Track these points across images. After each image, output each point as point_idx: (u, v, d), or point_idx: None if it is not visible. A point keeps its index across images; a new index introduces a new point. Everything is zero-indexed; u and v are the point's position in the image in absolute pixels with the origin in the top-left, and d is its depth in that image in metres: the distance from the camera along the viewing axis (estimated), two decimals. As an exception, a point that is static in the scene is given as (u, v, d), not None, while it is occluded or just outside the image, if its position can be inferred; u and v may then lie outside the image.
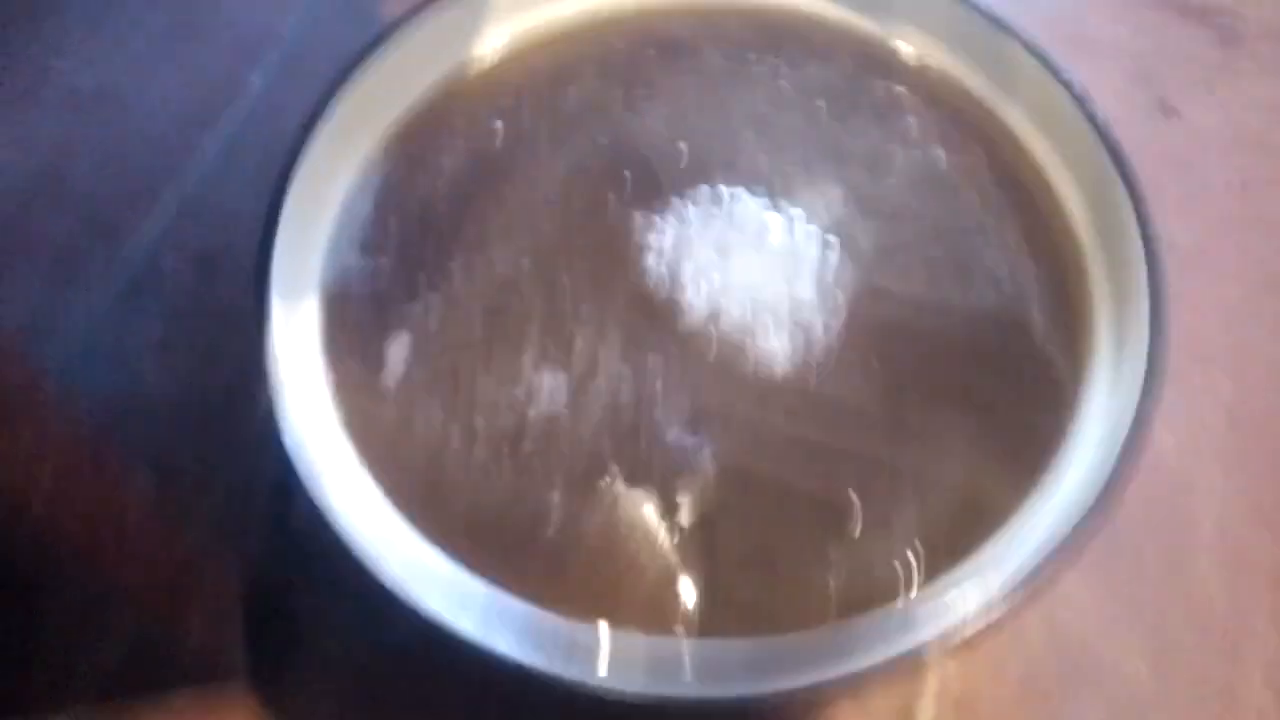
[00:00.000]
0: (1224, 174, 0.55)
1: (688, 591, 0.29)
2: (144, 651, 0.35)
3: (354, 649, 0.43)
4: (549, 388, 0.33)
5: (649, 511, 0.30)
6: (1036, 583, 0.28)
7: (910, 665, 0.26)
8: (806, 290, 0.35)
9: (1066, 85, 0.35)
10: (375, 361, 0.34)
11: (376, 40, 0.38)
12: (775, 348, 0.33)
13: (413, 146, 0.38)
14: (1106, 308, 0.33)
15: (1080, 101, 0.35)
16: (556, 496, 0.31)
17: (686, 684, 0.27)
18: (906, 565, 0.30)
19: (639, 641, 0.28)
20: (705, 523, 0.31)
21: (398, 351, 0.34)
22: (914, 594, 0.30)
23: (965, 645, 0.28)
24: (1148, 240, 0.32)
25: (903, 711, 0.40)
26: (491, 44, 0.40)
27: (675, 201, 0.37)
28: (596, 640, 0.28)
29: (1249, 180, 0.55)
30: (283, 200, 0.34)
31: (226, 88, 0.60)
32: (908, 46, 0.40)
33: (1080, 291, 0.34)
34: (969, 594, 0.29)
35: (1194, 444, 0.47)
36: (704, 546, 0.30)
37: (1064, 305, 0.34)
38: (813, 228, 0.36)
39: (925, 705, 0.40)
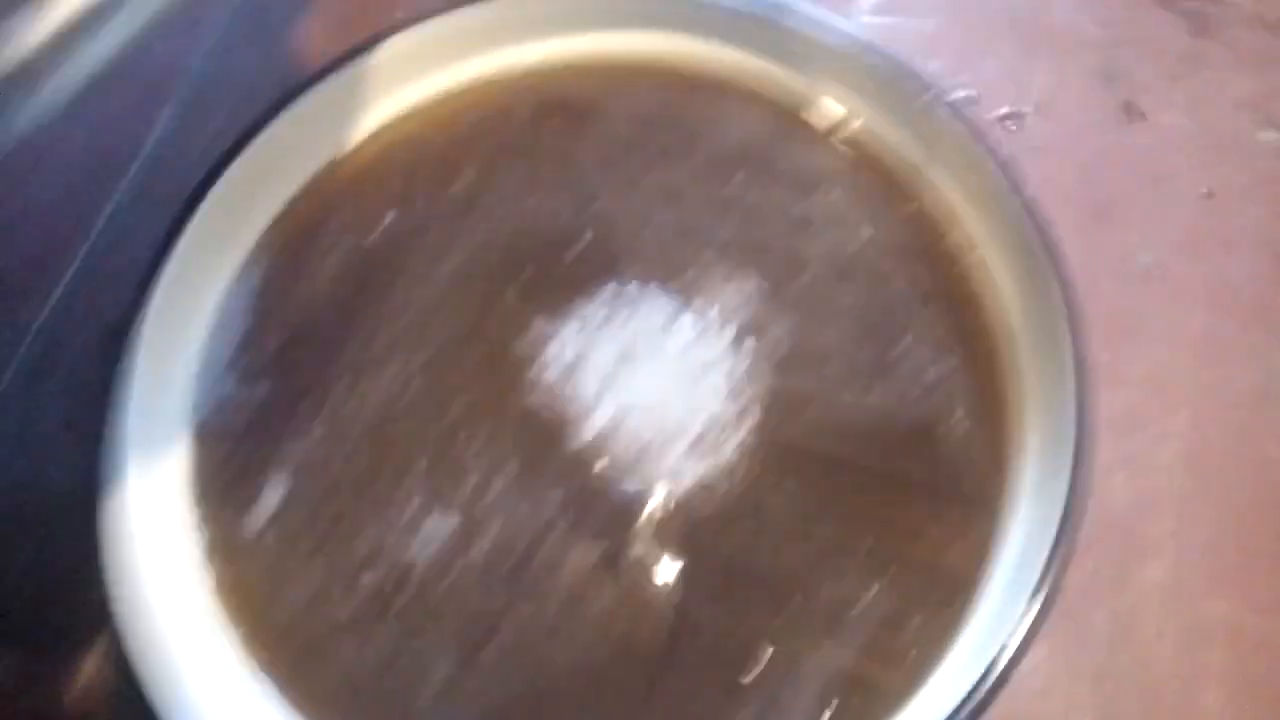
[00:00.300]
0: (1192, 183, 0.52)
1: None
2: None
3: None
4: (438, 531, 0.31)
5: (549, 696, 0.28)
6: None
7: None
8: (718, 403, 0.32)
9: (996, 160, 0.32)
10: (250, 508, 0.31)
11: (250, 129, 0.35)
12: (683, 476, 0.31)
13: (291, 252, 0.35)
14: (1036, 409, 0.31)
15: (1014, 184, 0.32)
16: (444, 661, 0.29)
17: None
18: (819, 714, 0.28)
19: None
20: (608, 680, 0.29)
21: (274, 495, 0.32)
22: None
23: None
24: (1075, 335, 0.29)
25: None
26: (375, 125, 0.37)
27: (577, 301, 0.34)
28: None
29: (1218, 190, 0.52)
30: (140, 323, 0.32)
31: (135, 133, 0.56)
32: (831, 106, 0.37)
33: (1007, 388, 0.32)
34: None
35: (1148, 494, 0.44)
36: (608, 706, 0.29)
37: (991, 410, 0.32)
38: (727, 327, 0.33)
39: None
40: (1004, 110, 0.51)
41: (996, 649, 0.26)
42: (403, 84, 0.37)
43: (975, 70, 0.53)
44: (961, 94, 0.49)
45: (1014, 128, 0.51)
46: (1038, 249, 0.31)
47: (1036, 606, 0.27)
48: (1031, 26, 0.57)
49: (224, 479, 0.32)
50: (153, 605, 0.28)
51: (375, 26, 0.41)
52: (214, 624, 0.29)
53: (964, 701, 0.25)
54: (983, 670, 0.26)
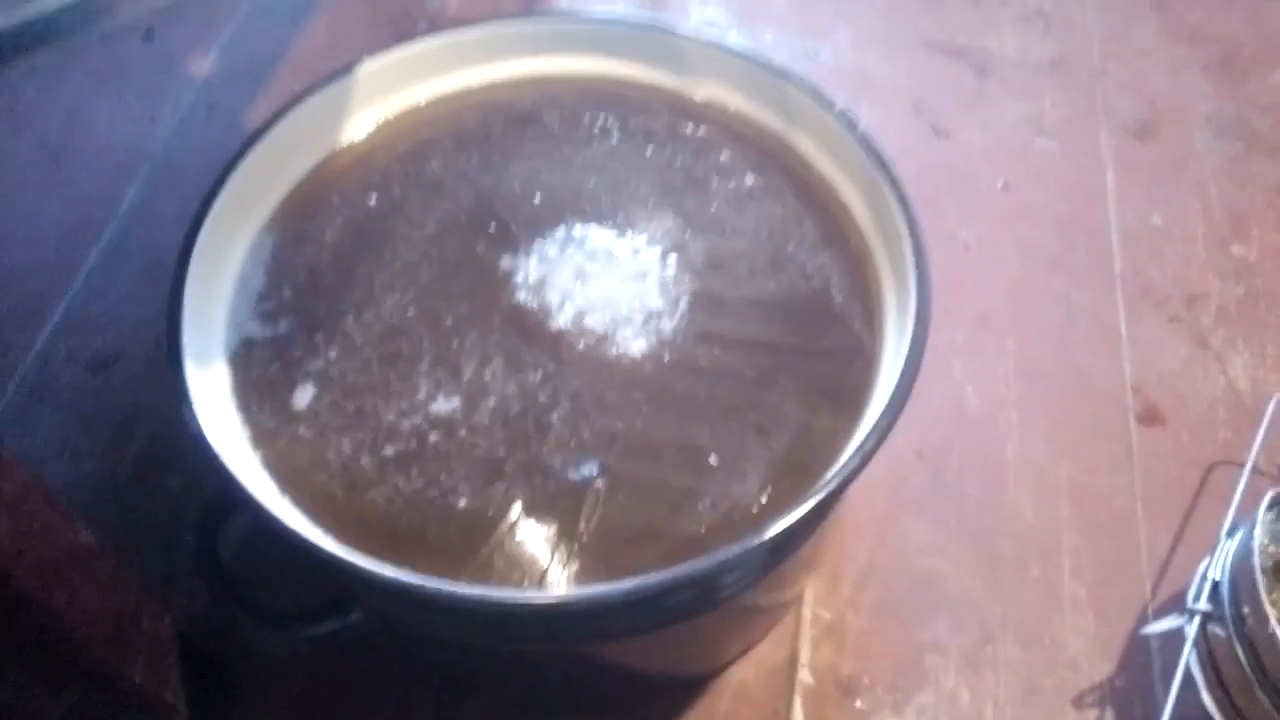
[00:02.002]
0: (991, 179, 0.66)
1: (583, 563, 0.35)
2: (92, 696, 0.38)
3: (285, 681, 0.46)
4: (446, 412, 0.38)
5: (552, 507, 0.36)
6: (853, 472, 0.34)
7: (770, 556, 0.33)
8: (654, 299, 0.41)
9: (836, 113, 0.44)
10: (286, 412, 0.38)
11: (253, 135, 0.43)
12: (634, 350, 0.40)
13: (296, 225, 0.43)
14: (889, 279, 0.41)
15: (849, 124, 0.43)
16: (462, 502, 0.36)
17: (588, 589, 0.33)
18: (760, 504, 0.36)
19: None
20: (599, 508, 0.36)
21: (305, 400, 0.39)
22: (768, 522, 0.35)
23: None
24: (912, 226, 0.40)
25: (788, 654, 0.46)
26: (357, 131, 0.47)
27: (535, 243, 0.43)
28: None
29: (1011, 182, 0.66)
30: (183, 283, 0.39)
31: (104, 204, 0.64)
32: (710, 96, 0.48)
33: (868, 272, 0.42)
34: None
35: (992, 396, 0.56)
36: (596, 530, 0.36)
37: (857, 284, 0.42)
38: (654, 249, 0.43)
39: (804, 638, 0.46)
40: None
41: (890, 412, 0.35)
42: (374, 103, 0.47)
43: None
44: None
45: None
46: (879, 171, 0.42)
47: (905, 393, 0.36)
48: (854, 81, 0.72)
49: (262, 395, 0.39)
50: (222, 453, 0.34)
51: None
52: (270, 496, 0.36)
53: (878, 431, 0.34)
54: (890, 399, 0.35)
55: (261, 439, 0.38)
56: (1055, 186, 0.66)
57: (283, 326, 0.41)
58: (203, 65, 0.69)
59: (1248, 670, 0.37)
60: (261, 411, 0.39)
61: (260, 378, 0.40)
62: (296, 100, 0.44)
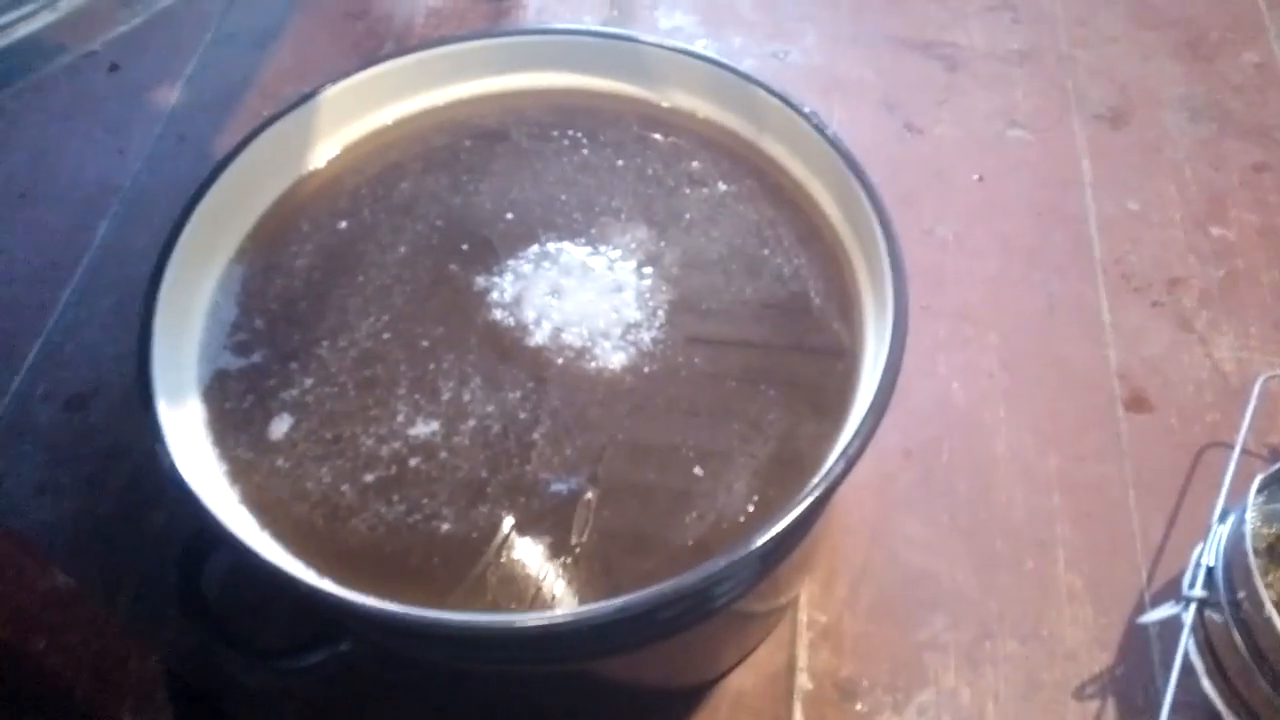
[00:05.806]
0: (966, 173, 0.66)
1: (579, 574, 0.35)
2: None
3: (278, 712, 0.46)
4: (425, 436, 0.38)
5: (538, 526, 0.36)
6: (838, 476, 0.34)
7: (755, 567, 0.32)
8: (631, 311, 0.41)
9: (805, 115, 0.44)
10: (263, 444, 0.38)
11: (218, 166, 0.43)
12: (614, 363, 0.39)
13: (266, 254, 0.43)
14: (866, 279, 0.41)
15: (818, 126, 0.43)
16: (446, 526, 0.36)
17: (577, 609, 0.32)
18: (748, 513, 0.36)
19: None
20: (586, 526, 0.36)
21: (281, 431, 0.38)
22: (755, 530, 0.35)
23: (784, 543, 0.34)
24: (884, 225, 0.40)
25: (786, 661, 0.46)
26: (324, 156, 0.46)
27: (509, 261, 0.43)
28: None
29: (986, 175, 0.66)
30: (152, 319, 0.38)
31: (76, 240, 0.63)
32: (679, 105, 0.48)
33: (846, 273, 0.42)
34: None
35: (978, 391, 0.56)
36: (584, 547, 0.36)
37: (835, 286, 0.42)
38: (629, 261, 0.43)
39: (801, 642, 0.46)
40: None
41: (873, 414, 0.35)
42: (341, 127, 0.47)
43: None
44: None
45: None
46: (849, 171, 0.42)
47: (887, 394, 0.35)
48: (825, 83, 0.72)
49: (238, 427, 0.38)
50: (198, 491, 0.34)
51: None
52: (249, 530, 0.35)
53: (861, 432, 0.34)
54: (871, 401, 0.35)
55: (239, 472, 0.37)
56: (1031, 177, 0.66)
57: (256, 357, 0.40)
58: (170, 95, 0.69)
59: (1245, 656, 0.37)
60: (238, 444, 0.38)
61: (235, 410, 0.39)
62: (260, 129, 0.44)
